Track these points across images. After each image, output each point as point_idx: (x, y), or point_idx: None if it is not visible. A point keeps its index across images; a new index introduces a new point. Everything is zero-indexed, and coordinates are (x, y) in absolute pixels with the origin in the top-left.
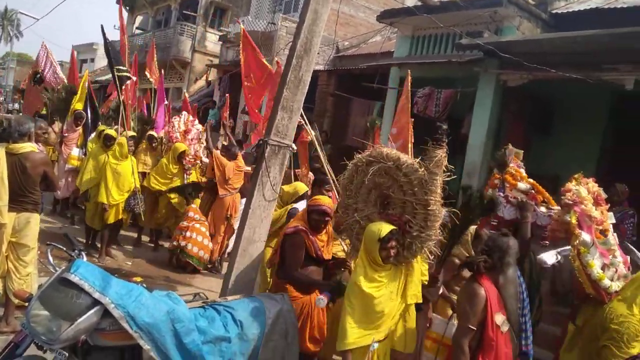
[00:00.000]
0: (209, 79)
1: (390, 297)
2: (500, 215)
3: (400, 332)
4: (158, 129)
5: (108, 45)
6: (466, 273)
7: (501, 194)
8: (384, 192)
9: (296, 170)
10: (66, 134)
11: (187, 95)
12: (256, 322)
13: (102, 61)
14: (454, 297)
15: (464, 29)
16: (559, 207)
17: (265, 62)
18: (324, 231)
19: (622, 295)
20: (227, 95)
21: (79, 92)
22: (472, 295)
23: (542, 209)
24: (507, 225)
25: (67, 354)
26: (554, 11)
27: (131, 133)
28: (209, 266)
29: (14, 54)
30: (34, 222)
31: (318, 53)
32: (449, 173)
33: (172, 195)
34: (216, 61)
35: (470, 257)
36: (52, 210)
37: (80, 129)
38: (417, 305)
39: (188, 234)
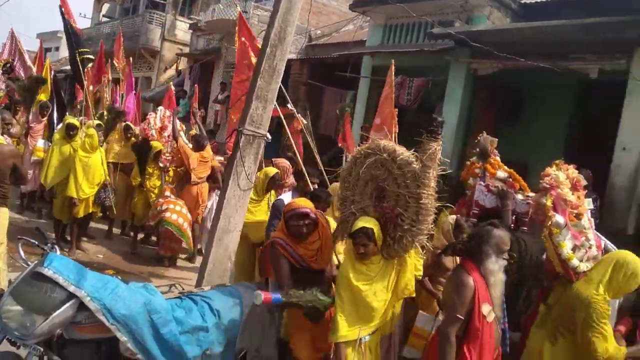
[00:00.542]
0: (179, 68)
1: (381, 293)
2: (482, 203)
3: (388, 320)
4: (127, 118)
5: (67, 26)
6: (448, 263)
7: (482, 182)
8: (380, 185)
9: (275, 161)
10: (32, 125)
11: (172, 87)
12: (233, 311)
13: (67, 50)
14: (440, 290)
15: (436, 18)
16: (533, 194)
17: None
18: (316, 237)
19: (590, 276)
20: (196, 85)
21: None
22: (460, 285)
23: (519, 196)
24: (488, 213)
25: (41, 349)
26: (523, 1)
27: (96, 122)
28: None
29: None
30: (3, 216)
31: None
32: (443, 167)
33: (151, 185)
34: (186, 50)
35: (450, 243)
36: (20, 205)
37: (45, 120)
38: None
39: (165, 206)
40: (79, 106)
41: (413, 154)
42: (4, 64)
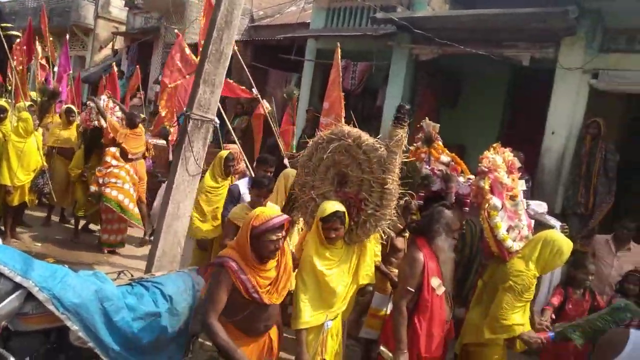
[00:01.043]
0: (116, 47)
1: (343, 277)
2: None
3: (347, 304)
4: (63, 101)
5: None
6: (399, 244)
7: (427, 166)
8: (342, 170)
9: (225, 146)
10: None
11: (115, 69)
12: (185, 295)
13: None
14: (394, 272)
15: (378, 2)
16: (474, 177)
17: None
18: (273, 263)
19: (522, 254)
20: (137, 66)
21: None
22: (411, 260)
23: (461, 179)
24: (434, 195)
25: None
26: None
27: (28, 103)
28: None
29: None
30: None
31: None
32: (407, 153)
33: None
34: (123, 29)
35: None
36: None
37: None
38: None
39: (106, 179)
40: (9, 87)
41: (377, 141)
42: None
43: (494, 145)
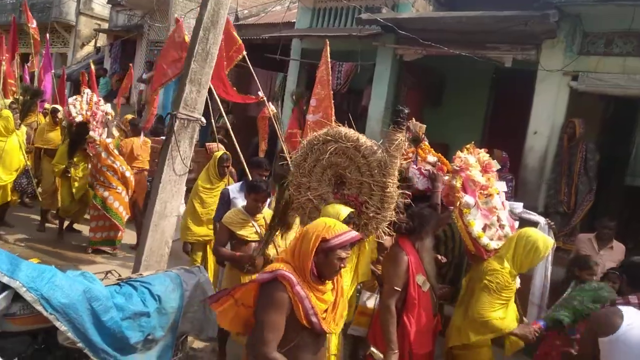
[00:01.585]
0: (98, 44)
1: (345, 278)
2: (415, 186)
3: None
4: (46, 99)
5: None
6: (387, 242)
7: (414, 166)
8: (340, 172)
9: (208, 145)
10: None
11: (93, 65)
12: (174, 295)
13: None
14: (379, 269)
15: (363, 3)
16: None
17: (236, 35)
18: (332, 284)
19: (499, 253)
20: (130, 65)
21: None
22: (395, 259)
23: (447, 178)
24: (420, 194)
25: None
26: None
27: (8, 101)
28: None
29: None
30: None
31: None
32: (406, 156)
33: (77, 180)
34: (105, 26)
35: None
36: None
37: None
38: None
39: (98, 176)
40: None
41: (375, 143)
42: None
43: (467, 145)
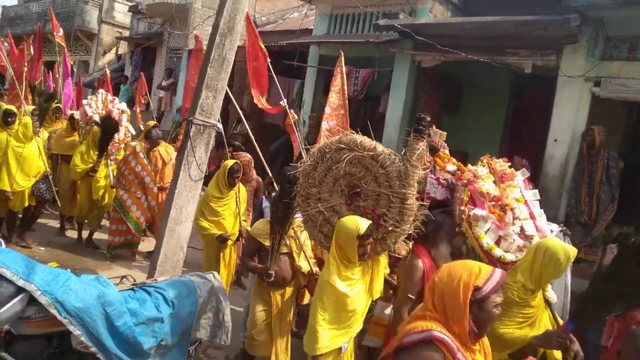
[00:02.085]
0: (119, 52)
1: (362, 296)
2: (433, 195)
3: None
4: (65, 105)
5: None
6: (403, 252)
7: (432, 175)
8: (354, 182)
9: (236, 154)
10: None
11: (108, 71)
12: (188, 301)
13: None
14: (394, 279)
15: (381, 9)
16: None
17: (262, 46)
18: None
19: (515, 265)
20: (141, 73)
21: None
22: (410, 267)
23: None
24: (439, 205)
25: None
26: None
27: (31, 107)
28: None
29: None
30: None
31: None
32: (425, 166)
33: (99, 180)
34: (126, 33)
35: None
36: None
37: None
38: None
39: (121, 179)
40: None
41: (393, 152)
42: None
43: (482, 157)
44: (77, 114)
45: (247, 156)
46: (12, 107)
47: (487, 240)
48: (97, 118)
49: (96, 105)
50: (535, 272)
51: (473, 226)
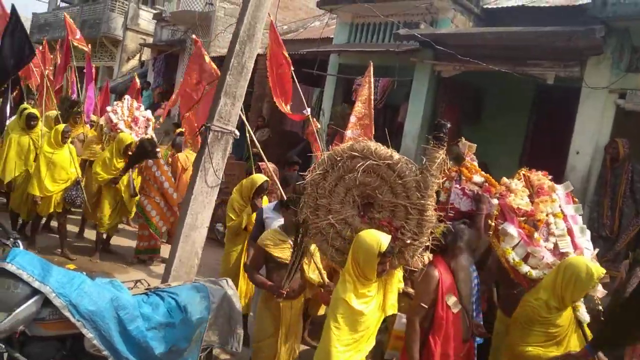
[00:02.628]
0: (143, 58)
1: (375, 312)
2: (457, 206)
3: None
4: (87, 111)
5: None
6: (421, 264)
7: (457, 186)
8: (367, 193)
9: (262, 165)
10: None
11: (137, 79)
12: (200, 307)
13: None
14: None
15: (402, 19)
16: None
17: (286, 54)
18: None
19: (541, 282)
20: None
21: None
22: (425, 276)
23: (495, 201)
24: (463, 216)
25: (2, 346)
26: (485, 6)
27: (55, 112)
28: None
29: None
30: None
31: None
32: (447, 176)
33: (123, 189)
34: (150, 40)
35: None
36: None
37: None
38: None
39: (145, 188)
40: (35, 92)
41: (410, 161)
42: None
43: (520, 170)
44: (102, 120)
45: (272, 167)
46: (35, 111)
47: (514, 256)
48: (122, 125)
49: (122, 111)
50: (557, 289)
51: (500, 241)
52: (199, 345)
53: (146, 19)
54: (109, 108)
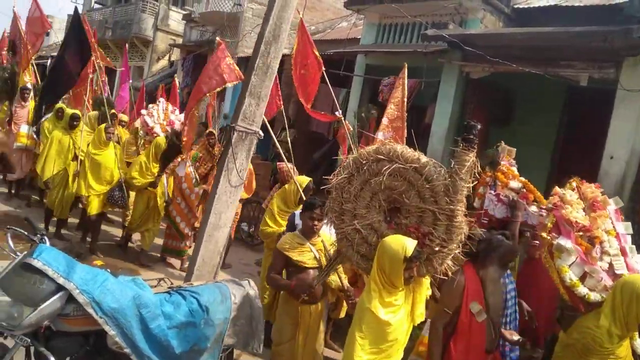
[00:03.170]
0: (172, 59)
1: (403, 323)
2: (492, 213)
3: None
4: (119, 109)
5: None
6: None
7: (492, 192)
8: (394, 197)
9: (279, 165)
10: (15, 111)
11: (177, 82)
12: (222, 307)
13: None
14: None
15: (430, 19)
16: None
17: (317, 53)
18: None
19: (600, 307)
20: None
21: (21, 68)
22: (451, 281)
23: (533, 208)
24: (498, 223)
25: (29, 340)
26: (516, 6)
27: (95, 113)
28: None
29: None
30: None
31: None
32: (482, 181)
33: (159, 196)
34: (179, 41)
35: None
36: (8, 193)
37: (29, 105)
38: None
39: (177, 196)
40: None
41: (439, 164)
42: (11, 44)
43: (573, 179)
44: (137, 123)
45: (286, 165)
46: (78, 112)
47: (571, 276)
48: (158, 129)
49: (157, 114)
50: (618, 312)
51: (555, 257)
52: (219, 346)
53: (176, 19)
54: (144, 111)
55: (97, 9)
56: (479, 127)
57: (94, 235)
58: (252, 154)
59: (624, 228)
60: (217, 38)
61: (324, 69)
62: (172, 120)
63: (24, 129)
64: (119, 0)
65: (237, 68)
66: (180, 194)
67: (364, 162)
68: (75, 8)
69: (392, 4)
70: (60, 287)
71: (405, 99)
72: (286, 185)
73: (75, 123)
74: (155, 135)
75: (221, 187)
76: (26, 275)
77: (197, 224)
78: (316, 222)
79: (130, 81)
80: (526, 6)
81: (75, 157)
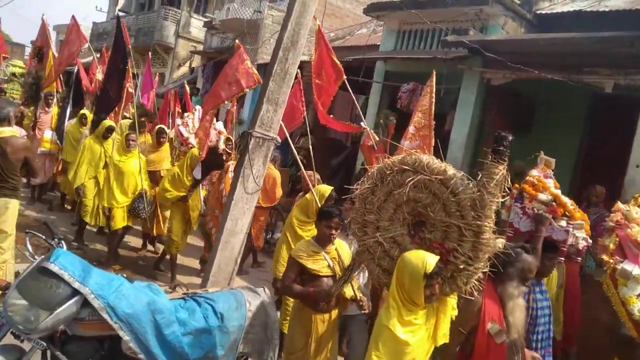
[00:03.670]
0: (193, 65)
1: (423, 344)
2: (516, 226)
3: None
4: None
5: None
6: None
7: (518, 204)
8: (418, 210)
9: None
10: (39, 117)
11: (194, 87)
12: (237, 314)
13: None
14: None
15: (450, 25)
16: (581, 222)
17: (337, 61)
18: None
19: None
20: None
21: (45, 74)
22: (467, 300)
23: (562, 222)
24: (523, 237)
25: (45, 344)
26: (538, 12)
27: (129, 121)
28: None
29: None
30: (13, 207)
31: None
32: (505, 194)
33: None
34: (200, 47)
35: None
36: (31, 197)
37: (52, 111)
38: None
39: (216, 212)
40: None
41: (466, 176)
42: (37, 50)
43: (637, 195)
44: (166, 130)
45: (313, 175)
46: (113, 123)
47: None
48: (193, 140)
49: (192, 124)
50: None
51: (620, 285)
52: (234, 353)
53: (197, 26)
54: (179, 121)
55: (121, 17)
56: (510, 138)
57: (112, 246)
58: (270, 160)
59: None
60: (237, 41)
61: (344, 77)
62: (208, 131)
63: (48, 134)
64: (142, 7)
65: (255, 71)
66: (219, 207)
67: (388, 172)
68: (118, 17)
69: (413, 10)
70: (75, 292)
71: (432, 108)
72: (307, 195)
73: (109, 135)
74: (190, 146)
75: (238, 194)
76: (43, 279)
77: None
78: (333, 231)
79: (154, 89)
80: (549, 12)
81: (106, 165)
